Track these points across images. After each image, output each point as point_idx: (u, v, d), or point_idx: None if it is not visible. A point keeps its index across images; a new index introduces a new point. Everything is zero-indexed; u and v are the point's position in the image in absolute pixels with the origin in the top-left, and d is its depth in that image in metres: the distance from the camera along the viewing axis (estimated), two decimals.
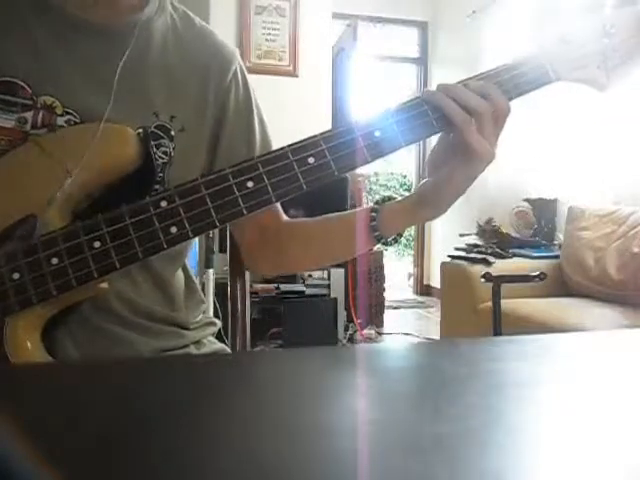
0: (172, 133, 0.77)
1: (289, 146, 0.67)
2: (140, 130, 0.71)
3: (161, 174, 0.76)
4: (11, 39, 0.72)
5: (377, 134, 0.68)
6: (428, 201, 0.74)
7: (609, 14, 0.76)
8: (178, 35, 0.82)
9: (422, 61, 5.36)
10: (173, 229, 0.64)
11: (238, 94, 0.86)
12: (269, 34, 3.54)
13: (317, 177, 0.67)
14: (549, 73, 0.73)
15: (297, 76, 3.58)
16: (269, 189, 0.66)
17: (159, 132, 0.76)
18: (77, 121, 0.73)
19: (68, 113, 0.72)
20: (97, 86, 0.74)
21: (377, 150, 0.68)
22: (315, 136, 0.68)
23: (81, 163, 0.66)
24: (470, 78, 0.72)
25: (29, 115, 0.71)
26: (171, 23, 0.83)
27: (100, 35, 0.75)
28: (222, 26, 3.34)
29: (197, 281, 0.93)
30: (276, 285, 3.13)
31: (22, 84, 0.71)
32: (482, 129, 0.67)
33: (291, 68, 3.57)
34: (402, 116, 0.69)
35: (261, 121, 0.88)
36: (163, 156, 0.77)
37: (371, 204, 0.79)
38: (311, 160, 0.67)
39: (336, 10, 3.80)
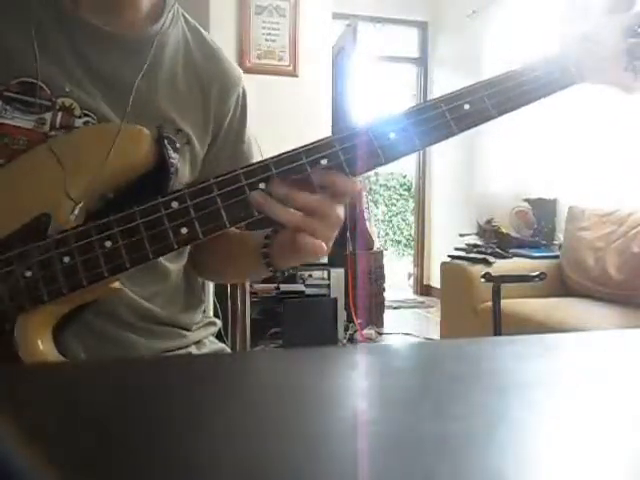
0: (177, 145, 0.77)
1: (302, 147, 0.66)
2: (155, 130, 0.71)
3: (170, 184, 0.76)
4: (31, 42, 0.72)
5: (392, 136, 0.66)
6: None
7: (637, 13, 0.72)
8: (188, 50, 0.83)
9: (422, 61, 5.36)
10: (183, 230, 0.64)
11: (234, 119, 0.87)
12: (269, 34, 3.54)
13: None
14: (573, 75, 0.70)
15: (297, 76, 3.57)
16: None
17: (167, 144, 0.76)
18: (95, 123, 0.73)
19: (86, 115, 0.73)
20: (112, 94, 0.74)
21: (392, 152, 0.66)
22: (329, 137, 0.67)
23: (97, 164, 0.66)
24: (489, 81, 0.69)
25: (48, 116, 0.72)
26: (182, 37, 0.83)
27: (115, 45, 0.76)
28: (222, 26, 3.34)
29: (199, 280, 0.93)
30: (276, 285, 3.13)
31: (42, 85, 0.71)
32: (313, 230, 0.65)
33: (291, 68, 3.57)
34: (418, 117, 0.67)
35: (248, 148, 0.89)
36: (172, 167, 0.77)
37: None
38: (324, 162, 0.65)
39: (336, 10, 3.79)
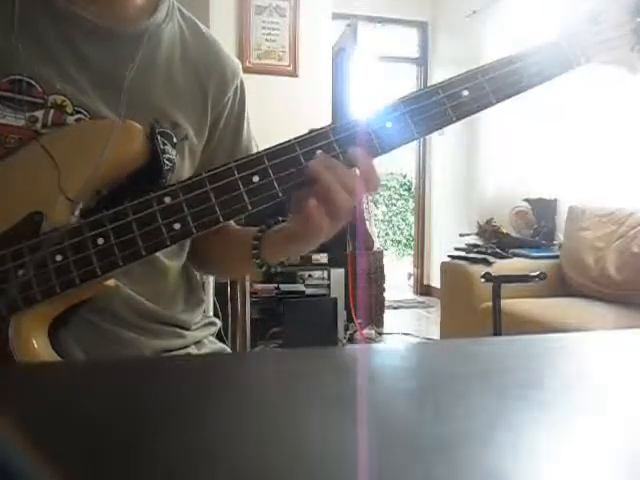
0: (174, 140, 0.77)
1: (296, 138, 0.65)
2: (148, 126, 0.70)
3: (163, 180, 0.76)
4: (21, 38, 0.71)
5: (388, 125, 0.65)
6: (295, 238, 0.70)
7: None
8: (184, 44, 0.82)
9: (422, 61, 5.36)
10: (176, 225, 0.63)
11: (232, 111, 0.86)
12: (269, 34, 3.54)
13: None
14: (578, 56, 0.69)
15: (297, 76, 3.58)
16: (275, 184, 0.64)
17: (163, 138, 0.76)
18: (87, 120, 0.72)
19: (78, 112, 0.72)
20: (105, 90, 0.74)
21: (389, 142, 0.65)
22: (323, 128, 0.65)
23: (93, 161, 0.66)
24: (489, 66, 0.67)
25: (40, 114, 0.71)
26: (179, 31, 0.83)
27: (109, 40, 0.75)
28: (222, 26, 3.34)
29: (199, 279, 0.92)
30: (276, 285, 3.13)
31: (33, 82, 0.71)
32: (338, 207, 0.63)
33: (291, 68, 3.57)
34: (414, 105, 0.65)
35: (248, 139, 0.88)
36: (168, 163, 0.76)
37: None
38: (319, 153, 0.64)
39: (336, 10, 3.80)
